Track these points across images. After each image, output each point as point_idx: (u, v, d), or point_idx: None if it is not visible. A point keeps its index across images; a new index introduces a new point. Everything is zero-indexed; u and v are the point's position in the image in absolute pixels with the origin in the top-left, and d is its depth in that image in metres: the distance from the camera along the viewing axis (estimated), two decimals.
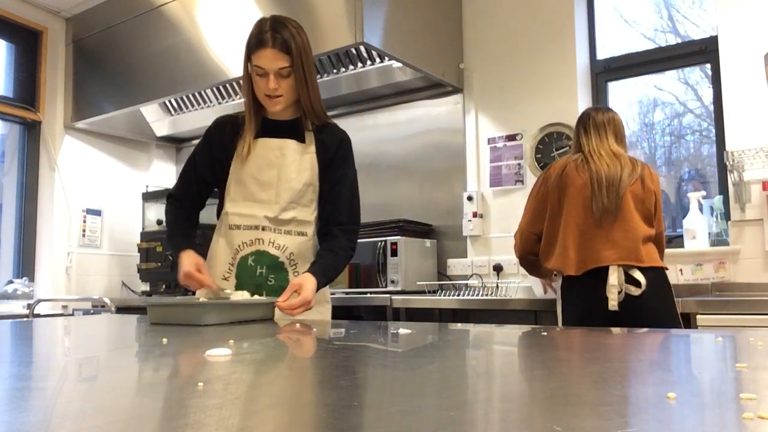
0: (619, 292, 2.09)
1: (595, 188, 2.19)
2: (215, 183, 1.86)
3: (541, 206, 2.36)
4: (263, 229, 1.76)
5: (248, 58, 1.73)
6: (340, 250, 1.79)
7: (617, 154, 2.27)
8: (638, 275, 2.09)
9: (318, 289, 1.67)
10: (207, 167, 1.84)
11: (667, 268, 2.19)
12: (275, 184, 1.76)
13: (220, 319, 1.46)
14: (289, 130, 1.81)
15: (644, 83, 3.41)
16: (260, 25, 1.72)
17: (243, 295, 1.65)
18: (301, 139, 1.80)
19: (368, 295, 3.18)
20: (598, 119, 2.34)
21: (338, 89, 3.74)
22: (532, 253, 2.42)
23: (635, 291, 2.08)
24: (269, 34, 1.68)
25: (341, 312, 3.17)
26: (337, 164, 1.84)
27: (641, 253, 2.12)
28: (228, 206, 1.80)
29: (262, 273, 1.75)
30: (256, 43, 1.70)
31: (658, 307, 2.11)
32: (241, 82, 1.88)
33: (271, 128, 1.80)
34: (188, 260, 1.72)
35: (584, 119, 2.38)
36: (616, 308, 2.07)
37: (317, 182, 1.81)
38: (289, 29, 1.70)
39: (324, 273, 1.72)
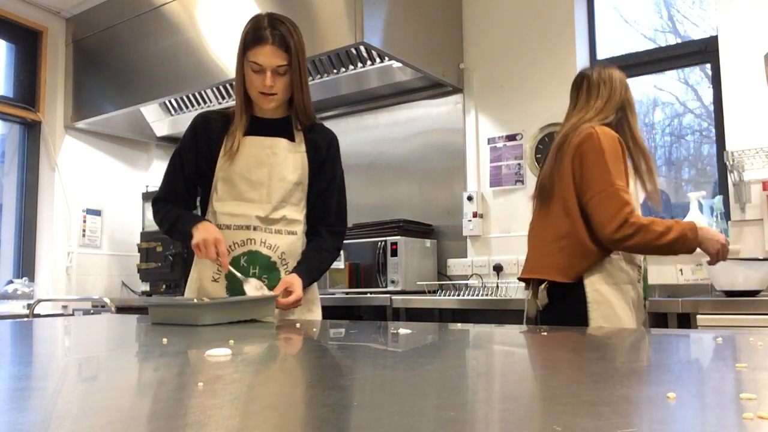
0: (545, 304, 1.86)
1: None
2: (200, 181, 1.82)
3: None
4: (254, 228, 1.74)
5: (243, 54, 1.71)
6: (325, 252, 1.82)
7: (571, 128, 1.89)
8: (541, 293, 1.84)
9: (303, 288, 1.72)
10: (192, 165, 1.79)
11: (591, 276, 1.79)
12: (266, 182, 1.74)
13: (220, 319, 1.46)
14: (279, 128, 1.79)
15: (644, 83, 3.41)
16: (257, 21, 1.70)
17: (256, 284, 1.68)
18: (291, 138, 1.79)
19: (368, 295, 3.18)
20: (593, 79, 1.95)
21: (338, 89, 3.74)
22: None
23: (540, 305, 1.86)
24: (268, 30, 1.67)
25: (341, 312, 3.17)
26: (329, 165, 1.84)
27: (537, 263, 1.88)
28: (216, 206, 1.76)
29: (255, 273, 1.74)
30: (253, 39, 1.68)
31: (563, 322, 1.75)
32: None
33: (261, 126, 1.78)
34: (209, 228, 1.68)
35: (578, 82, 2.00)
36: (525, 322, 1.95)
37: (306, 181, 1.80)
38: (287, 27, 1.70)
39: (309, 273, 1.76)
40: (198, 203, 1.89)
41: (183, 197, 1.83)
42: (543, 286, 1.85)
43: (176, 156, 1.83)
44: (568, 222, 1.80)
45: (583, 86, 1.97)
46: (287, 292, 1.67)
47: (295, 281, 1.69)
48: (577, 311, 1.79)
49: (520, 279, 2.00)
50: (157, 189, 1.88)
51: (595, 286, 1.79)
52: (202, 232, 1.66)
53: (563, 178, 1.84)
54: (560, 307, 1.83)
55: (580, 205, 1.80)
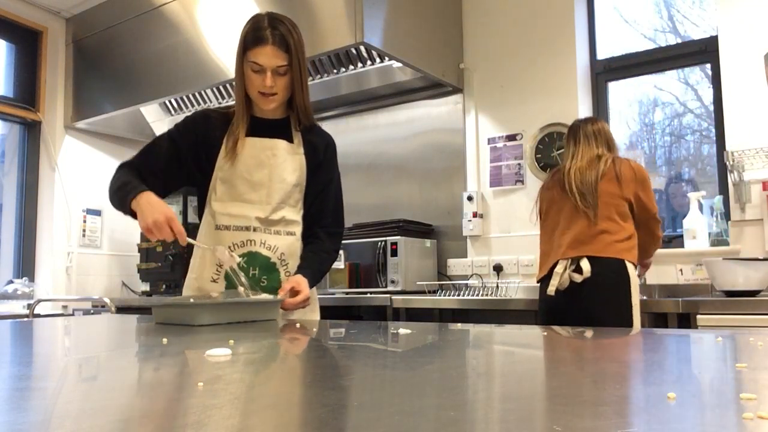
0: (576, 278, 2.26)
1: (565, 192, 2.36)
2: (197, 178, 1.77)
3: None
4: (254, 230, 1.73)
5: (243, 54, 1.70)
6: (325, 254, 1.83)
7: (598, 157, 2.36)
8: (584, 263, 2.23)
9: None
10: (184, 154, 1.73)
11: (631, 261, 2.25)
12: (266, 184, 1.73)
13: (222, 319, 1.46)
14: (278, 129, 1.78)
15: (644, 83, 3.41)
16: (257, 21, 1.69)
17: (222, 250, 1.65)
18: (290, 139, 1.79)
19: (368, 295, 3.18)
20: (588, 130, 2.43)
21: (338, 89, 3.74)
22: None
23: (578, 278, 2.24)
24: (269, 31, 1.66)
25: (341, 312, 3.17)
26: (326, 167, 1.84)
27: (595, 244, 2.25)
28: (215, 206, 1.74)
29: (255, 274, 1.73)
30: (254, 39, 1.67)
31: (601, 292, 2.21)
32: None
33: (260, 127, 1.77)
34: (156, 204, 1.54)
35: (574, 131, 2.47)
36: (552, 293, 2.27)
37: (304, 183, 1.80)
38: (286, 26, 1.69)
39: (313, 275, 1.76)
40: (191, 208, 1.86)
41: (155, 174, 1.72)
42: (584, 260, 2.24)
43: (165, 138, 1.75)
44: (629, 225, 2.31)
45: (579, 133, 2.44)
46: (294, 292, 1.66)
47: (302, 281, 1.69)
48: (621, 286, 2.21)
49: (567, 258, 2.29)
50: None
51: (632, 273, 2.25)
52: (151, 212, 1.52)
53: (615, 192, 2.28)
54: (605, 280, 2.22)
55: (633, 214, 2.32)
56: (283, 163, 1.75)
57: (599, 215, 2.28)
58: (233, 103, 1.80)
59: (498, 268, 3.38)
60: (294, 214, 1.80)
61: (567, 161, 2.43)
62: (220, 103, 3.93)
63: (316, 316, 1.88)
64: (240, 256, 1.73)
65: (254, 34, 1.67)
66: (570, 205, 2.34)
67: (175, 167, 1.75)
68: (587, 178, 2.32)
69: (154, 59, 3.83)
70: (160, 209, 1.54)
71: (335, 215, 1.87)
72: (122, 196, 1.60)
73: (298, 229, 1.81)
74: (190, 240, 1.62)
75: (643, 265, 2.55)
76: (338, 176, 1.90)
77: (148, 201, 1.56)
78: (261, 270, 1.74)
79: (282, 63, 1.67)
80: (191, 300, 1.56)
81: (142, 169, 1.72)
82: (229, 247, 1.73)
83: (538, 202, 2.54)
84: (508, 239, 3.41)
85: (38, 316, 3.37)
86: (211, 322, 1.42)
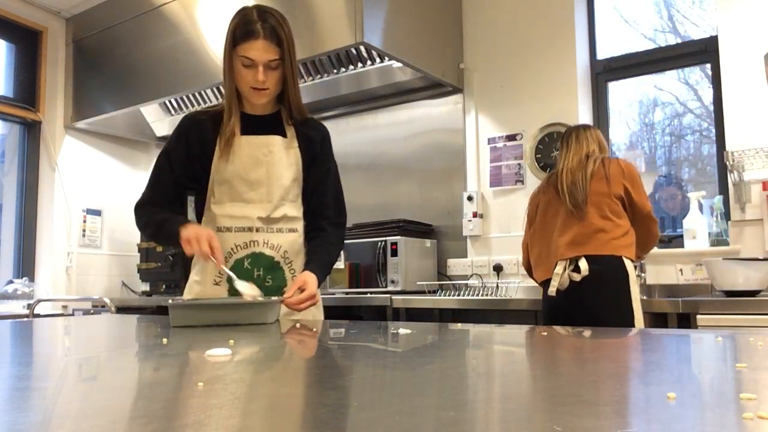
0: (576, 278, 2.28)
1: (559, 194, 2.40)
2: (193, 185, 1.77)
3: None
4: (257, 230, 1.72)
5: (232, 48, 1.66)
6: (331, 246, 1.80)
7: (587, 156, 2.41)
8: (582, 263, 2.26)
9: (318, 285, 1.68)
10: (183, 167, 1.74)
11: (629, 257, 2.27)
12: (265, 182, 1.71)
13: (217, 320, 1.45)
14: (271, 125, 1.77)
15: (644, 83, 3.41)
16: (246, 14, 1.65)
17: (251, 288, 1.62)
18: (284, 134, 1.76)
19: (368, 295, 3.18)
20: (579, 133, 2.50)
21: (338, 89, 3.74)
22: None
23: (577, 277, 2.26)
24: (259, 24, 1.62)
25: (341, 312, 3.17)
26: (322, 159, 1.82)
27: (592, 243, 2.28)
28: (214, 209, 1.72)
29: (260, 275, 1.72)
30: (243, 33, 1.63)
31: (601, 290, 2.24)
32: None
33: (253, 124, 1.75)
34: (200, 228, 1.66)
35: (567, 135, 2.54)
36: (554, 293, 2.30)
37: (301, 177, 1.78)
38: (276, 19, 1.66)
39: (322, 269, 1.73)
40: (190, 209, 1.84)
41: (171, 201, 1.76)
42: (582, 260, 2.26)
43: (164, 159, 1.77)
44: (625, 222, 2.32)
45: (572, 136, 2.50)
46: (301, 291, 1.62)
47: (309, 279, 1.64)
48: (620, 283, 2.23)
49: (565, 258, 2.31)
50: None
51: (630, 269, 2.27)
52: (194, 229, 1.61)
53: (605, 191, 2.31)
54: (604, 277, 2.24)
55: (625, 210, 2.34)
56: (279, 160, 1.73)
57: (593, 214, 2.31)
58: (220, 102, 1.77)
59: (498, 268, 3.38)
60: (295, 210, 1.78)
61: (559, 163, 2.48)
62: (219, 103, 3.92)
63: (320, 316, 1.87)
64: (244, 257, 1.72)
65: (244, 28, 1.64)
66: (565, 207, 2.38)
67: (181, 186, 1.78)
68: (577, 178, 2.37)
69: (154, 59, 3.83)
70: (203, 228, 1.65)
71: (336, 206, 1.85)
72: (170, 227, 1.67)
73: (300, 225, 1.79)
74: (223, 268, 1.63)
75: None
76: (335, 166, 1.88)
77: (194, 225, 1.66)
78: (265, 270, 1.73)
79: (274, 57, 1.64)
80: (170, 301, 1.51)
81: (158, 203, 1.76)
82: (232, 249, 1.72)
83: (528, 207, 2.59)
84: (508, 239, 3.41)
85: (38, 316, 3.37)
86: (188, 324, 1.40)
